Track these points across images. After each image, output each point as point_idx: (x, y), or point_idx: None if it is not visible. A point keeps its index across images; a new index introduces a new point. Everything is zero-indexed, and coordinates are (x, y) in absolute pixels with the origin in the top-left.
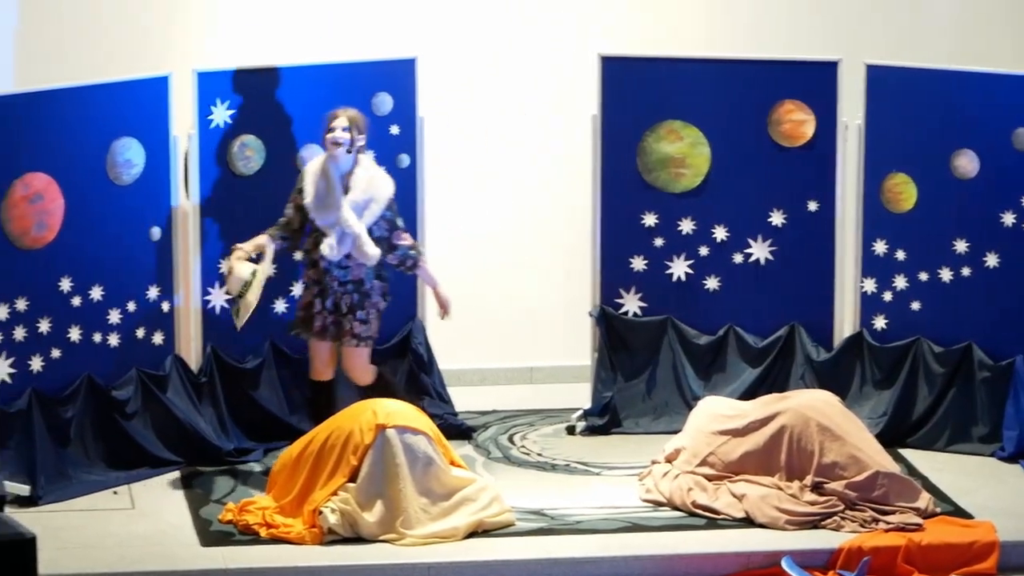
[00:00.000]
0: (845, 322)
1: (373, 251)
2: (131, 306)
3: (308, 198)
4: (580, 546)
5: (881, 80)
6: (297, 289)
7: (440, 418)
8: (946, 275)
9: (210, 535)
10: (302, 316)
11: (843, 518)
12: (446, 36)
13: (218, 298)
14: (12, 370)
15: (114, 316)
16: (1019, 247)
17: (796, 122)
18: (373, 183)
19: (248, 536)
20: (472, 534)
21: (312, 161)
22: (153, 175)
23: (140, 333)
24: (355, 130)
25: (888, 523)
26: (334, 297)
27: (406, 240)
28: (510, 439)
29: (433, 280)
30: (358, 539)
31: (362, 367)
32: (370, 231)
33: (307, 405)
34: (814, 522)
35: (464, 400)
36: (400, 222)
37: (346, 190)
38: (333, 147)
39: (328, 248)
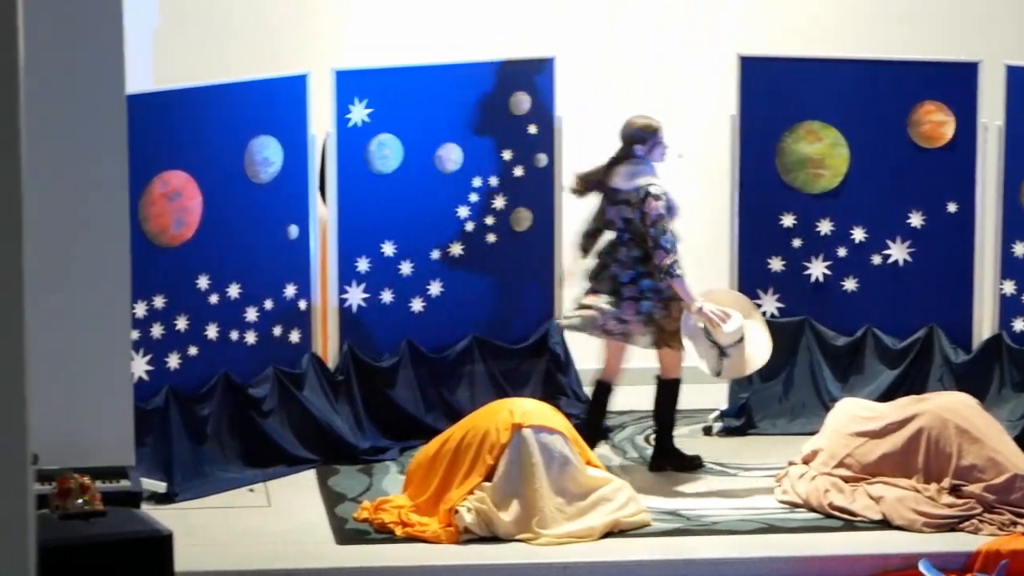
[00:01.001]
0: (984, 324)
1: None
2: (268, 304)
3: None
4: (716, 547)
5: (1021, 81)
6: (435, 288)
7: (576, 418)
8: None
9: (345, 533)
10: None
11: (981, 521)
12: (584, 35)
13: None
14: (149, 368)
15: (251, 314)
16: None
17: (936, 123)
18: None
19: (383, 535)
20: (608, 534)
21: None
22: (291, 173)
23: (277, 331)
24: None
25: None
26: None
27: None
28: (647, 439)
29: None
30: (493, 538)
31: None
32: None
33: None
34: (952, 525)
35: None
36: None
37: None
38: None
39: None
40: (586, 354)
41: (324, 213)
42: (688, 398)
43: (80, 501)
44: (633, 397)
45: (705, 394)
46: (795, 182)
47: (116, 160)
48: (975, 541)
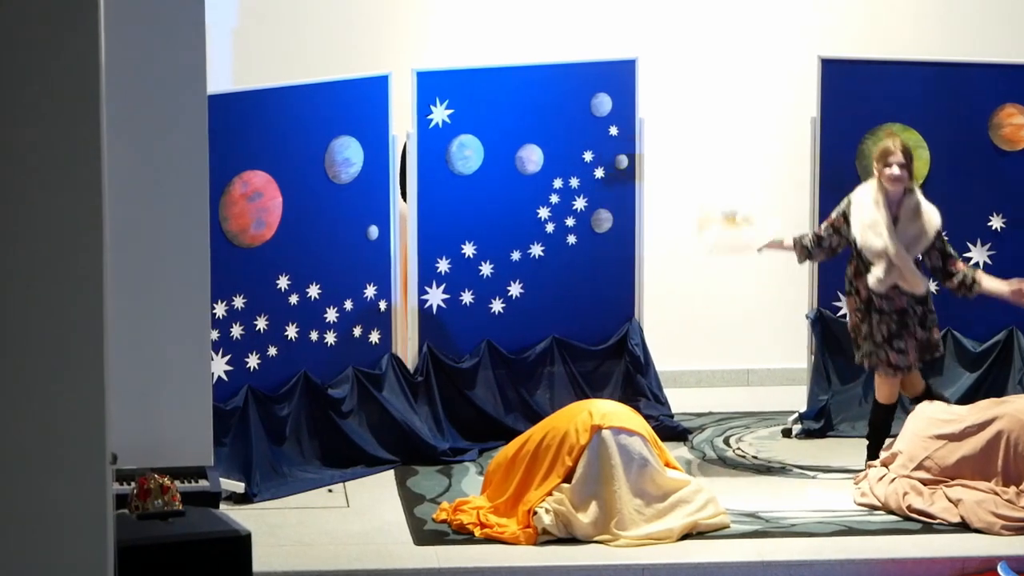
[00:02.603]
0: None
1: (920, 282)
2: (348, 304)
3: (856, 228)
4: (794, 549)
5: None
6: (515, 289)
7: (656, 419)
8: None
9: (424, 534)
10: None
11: None
12: (666, 37)
13: None
14: (229, 368)
15: (331, 314)
16: None
17: (1017, 126)
18: (922, 213)
19: (462, 535)
20: (687, 536)
21: (862, 188)
22: (371, 174)
23: (357, 332)
24: (910, 166)
25: None
26: (876, 324)
27: (960, 267)
28: (726, 441)
29: (999, 287)
30: (572, 540)
31: (908, 383)
32: (920, 262)
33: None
34: None
35: (680, 402)
36: (951, 250)
37: (895, 220)
38: (891, 183)
39: (875, 280)
40: (666, 356)
41: (405, 210)
42: (767, 400)
43: (159, 501)
44: (711, 399)
45: (784, 396)
46: None
47: (197, 160)
48: None
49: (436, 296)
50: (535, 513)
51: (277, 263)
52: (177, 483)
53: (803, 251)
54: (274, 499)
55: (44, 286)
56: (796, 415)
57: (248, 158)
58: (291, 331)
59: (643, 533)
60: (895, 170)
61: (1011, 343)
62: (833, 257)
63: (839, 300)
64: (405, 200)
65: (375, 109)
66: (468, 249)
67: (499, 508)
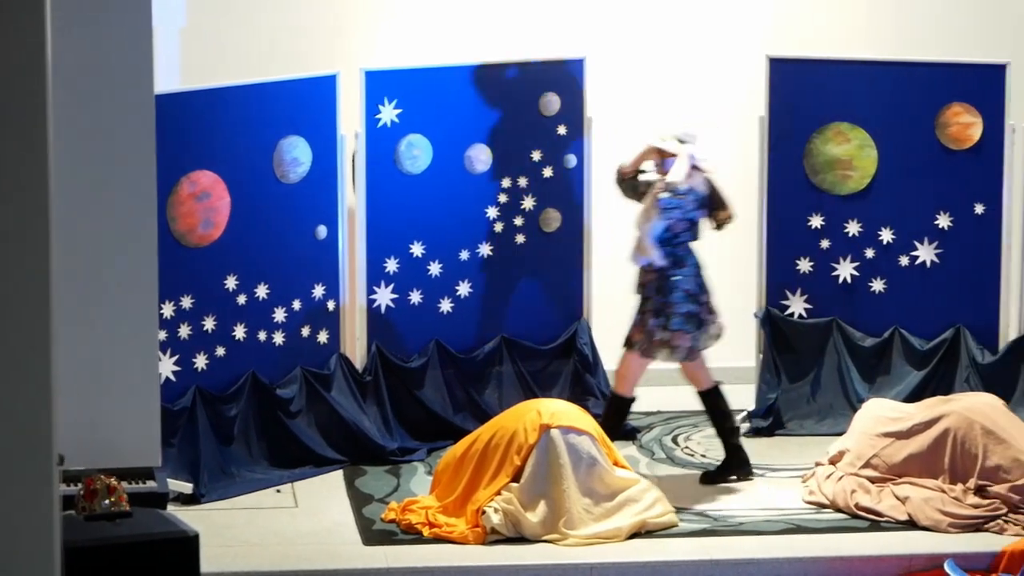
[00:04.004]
0: (1011, 325)
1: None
2: (296, 304)
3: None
4: (742, 547)
5: None
6: (463, 288)
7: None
8: None
9: (373, 534)
10: None
11: (1006, 521)
12: (614, 36)
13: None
14: (177, 368)
15: (279, 314)
16: None
17: (963, 125)
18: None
19: (411, 535)
20: (635, 535)
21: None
22: (320, 174)
23: (305, 331)
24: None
25: None
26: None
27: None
28: (674, 440)
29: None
30: (521, 539)
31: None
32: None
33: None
34: (977, 525)
35: None
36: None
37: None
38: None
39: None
40: (615, 355)
41: (354, 205)
42: None
43: (106, 502)
44: (659, 398)
45: (733, 395)
46: (823, 183)
47: (144, 160)
48: (1000, 541)
49: (385, 296)
50: (484, 512)
51: (225, 263)
52: (124, 484)
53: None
54: (222, 500)
55: None
56: (745, 413)
57: (196, 158)
58: (239, 331)
59: (591, 532)
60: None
61: (958, 341)
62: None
63: (787, 299)
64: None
65: (323, 109)
66: (417, 249)
67: (448, 508)
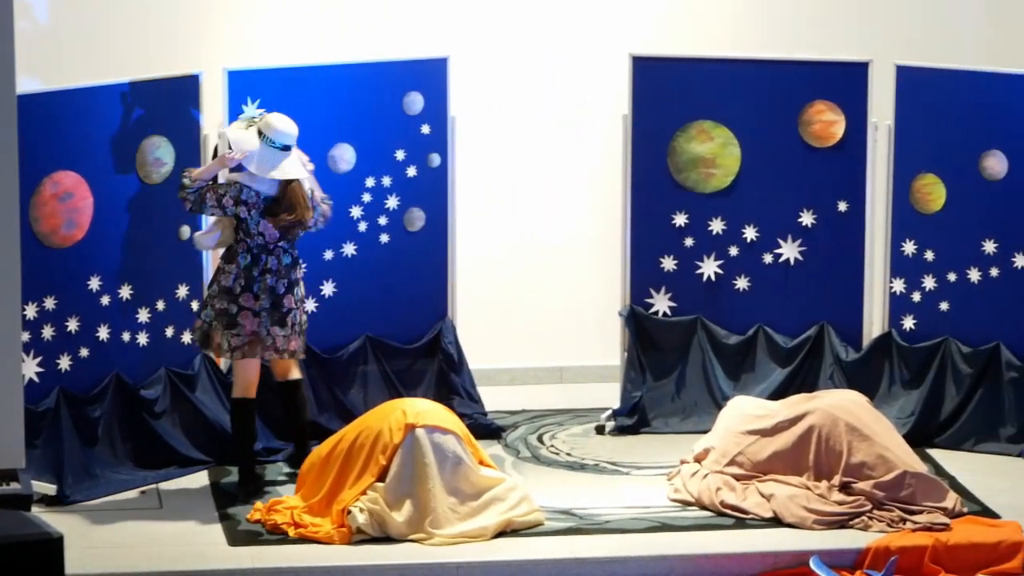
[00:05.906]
0: (874, 322)
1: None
2: (160, 305)
3: None
4: (608, 546)
5: (911, 81)
6: (327, 288)
7: (470, 418)
8: (974, 275)
9: (238, 535)
10: None
11: (871, 518)
12: (478, 35)
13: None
14: (40, 369)
15: (143, 315)
16: None
17: (826, 122)
18: None
19: (276, 536)
20: (501, 533)
21: None
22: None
23: (169, 332)
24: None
25: (915, 523)
26: None
27: None
28: (539, 439)
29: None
30: (386, 539)
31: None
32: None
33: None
34: (842, 522)
35: (494, 400)
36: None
37: None
38: None
39: None
40: (479, 354)
41: None
42: (580, 397)
43: None
44: (525, 397)
45: (598, 393)
46: (687, 181)
47: (6, 160)
48: (865, 538)
49: None
50: (349, 512)
51: (88, 264)
52: None
53: None
54: (86, 501)
55: None
56: (609, 412)
57: (59, 158)
58: (103, 332)
59: (457, 531)
60: None
61: (822, 339)
62: None
63: (651, 297)
64: None
65: (186, 108)
66: None
67: (313, 508)
